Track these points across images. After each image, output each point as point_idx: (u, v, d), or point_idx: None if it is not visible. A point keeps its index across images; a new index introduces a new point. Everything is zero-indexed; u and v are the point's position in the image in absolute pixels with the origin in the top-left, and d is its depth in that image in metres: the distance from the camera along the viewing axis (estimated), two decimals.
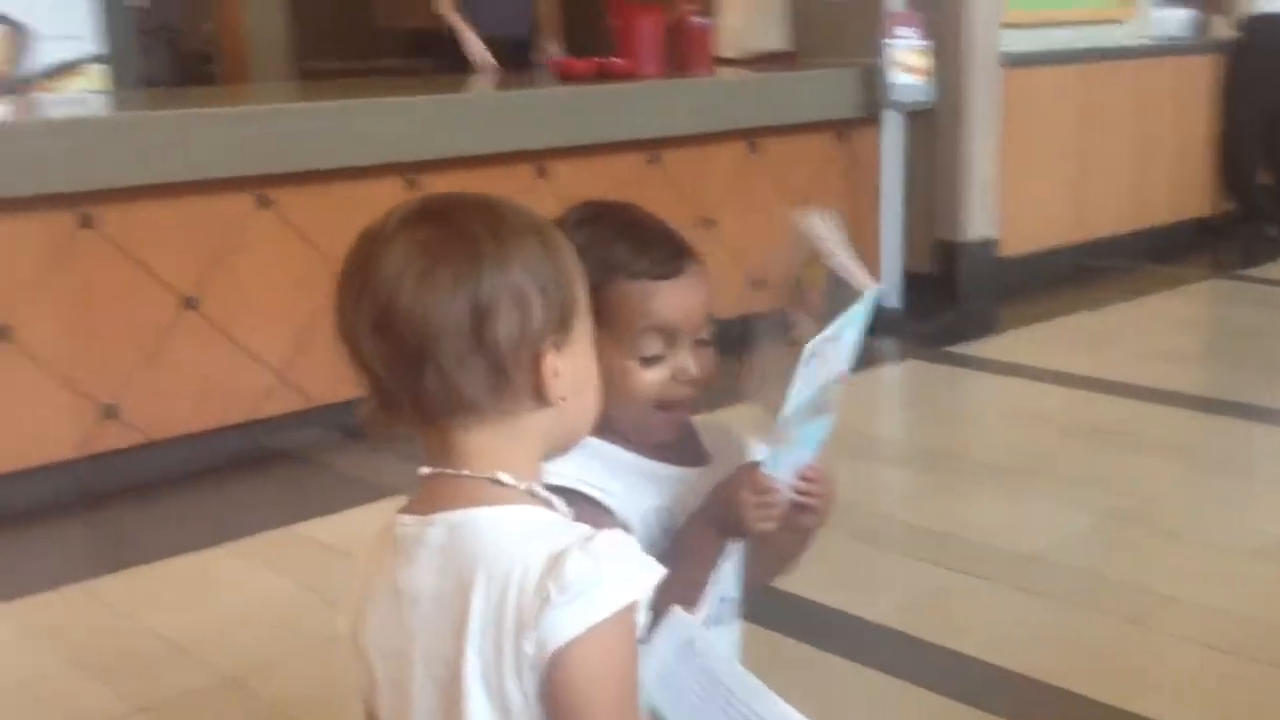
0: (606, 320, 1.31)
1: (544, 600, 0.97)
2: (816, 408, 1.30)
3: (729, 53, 5.16)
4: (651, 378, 1.33)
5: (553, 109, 4.05)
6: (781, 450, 1.28)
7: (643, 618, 1.04)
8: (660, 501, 1.35)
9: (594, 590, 0.97)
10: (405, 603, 1.05)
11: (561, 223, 1.34)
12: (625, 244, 1.33)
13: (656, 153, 4.28)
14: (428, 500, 1.06)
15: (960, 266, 5.09)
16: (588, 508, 1.28)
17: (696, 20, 4.72)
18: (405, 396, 1.03)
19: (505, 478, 1.04)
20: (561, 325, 1.05)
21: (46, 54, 5.10)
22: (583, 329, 1.09)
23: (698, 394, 1.36)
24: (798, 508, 1.35)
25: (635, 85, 4.30)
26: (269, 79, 6.24)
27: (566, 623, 0.96)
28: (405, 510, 1.08)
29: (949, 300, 5.05)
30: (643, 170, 4.25)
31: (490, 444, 1.05)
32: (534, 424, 1.06)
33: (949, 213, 5.07)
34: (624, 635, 1.00)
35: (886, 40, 4.74)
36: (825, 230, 1.32)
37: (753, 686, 1.21)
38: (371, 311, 1.01)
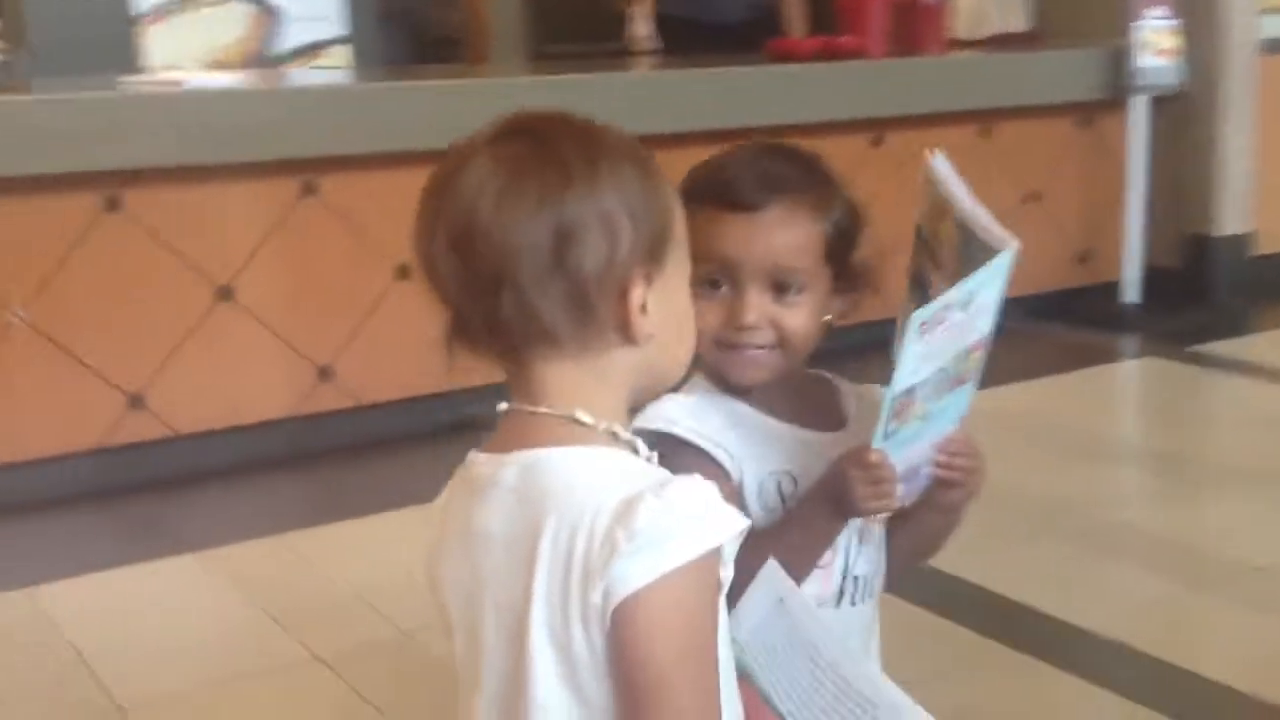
0: (690, 244, 1.24)
1: (613, 548, 0.89)
2: (951, 379, 1.17)
3: (966, 33, 4.95)
4: (704, 313, 1.21)
5: (767, 87, 3.95)
6: (905, 428, 1.16)
7: (728, 572, 0.96)
8: (783, 465, 1.26)
9: (666, 539, 0.90)
10: (478, 546, 0.98)
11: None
12: (713, 169, 1.24)
13: (880, 134, 4.14)
14: (504, 438, 1.00)
15: (1210, 262, 4.75)
16: (698, 460, 1.21)
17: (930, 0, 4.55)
18: (481, 323, 0.96)
19: (584, 416, 0.97)
20: (652, 256, 0.97)
21: (294, 34, 5.31)
22: (677, 265, 1.01)
23: (765, 344, 1.24)
24: (941, 484, 1.24)
25: (855, 64, 4.16)
26: (508, 62, 6.34)
27: (635, 572, 0.89)
28: (482, 449, 1.02)
29: (1195, 297, 4.72)
30: (865, 152, 4.11)
31: (571, 380, 0.98)
32: (618, 362, 0.99)
33: (1199, 206, 4.74)
34: (697, 587, 0.92)
35: (1135, 21, 4.46)
36: (950, 175, 1.18)
37: (843, 649, 1.11)
38: (449, 229, 0.95)
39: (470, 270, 0.95)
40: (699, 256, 1.18)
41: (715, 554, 0.93)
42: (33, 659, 2.37)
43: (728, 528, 0.94)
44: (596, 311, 0.95)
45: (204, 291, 3.25)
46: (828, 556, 1.25)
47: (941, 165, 1.18)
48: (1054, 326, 4.45)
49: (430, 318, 0.99)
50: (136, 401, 3.19)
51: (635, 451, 1.00)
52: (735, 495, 1.23)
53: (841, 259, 1.27)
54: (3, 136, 2.96)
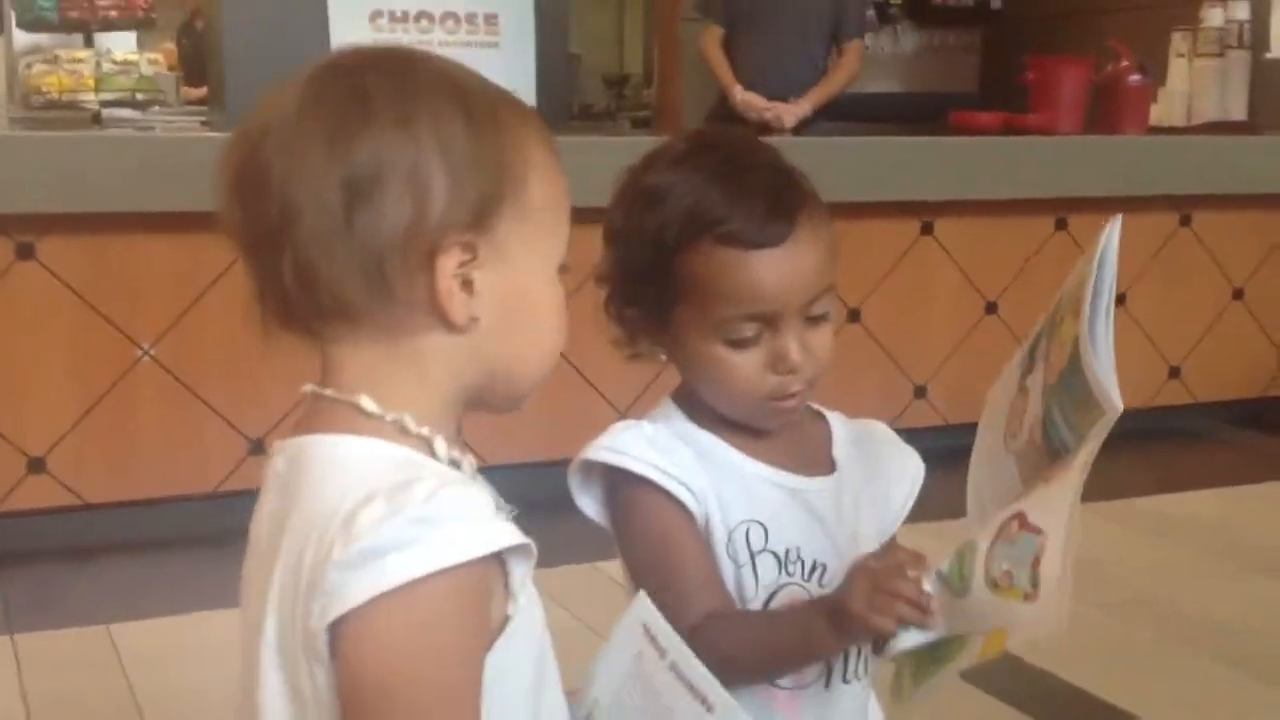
0: (690, 291, 1.04)
1: (328, 557, 0.72)
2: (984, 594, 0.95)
3: (1176, 120, 4.62)
4: (743, 368, 1.04)
5: (945, 158, 3.71)
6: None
7: (515, 605, 0.78)
8: (753, 513, 1.06)
9: (389, 550, 0.71)
10: (249, 546, 0.83)
11: (658, 156, 1.09)
12: (717, 191, 1.04)
13: (1064, 215, 3.85)
14: (294, 425, 0.84)
15: None
16: (654, 499, 1.02)
17: (1133, 79, 4.24)
18: (269, 289, 0.80)
19: (368, 404, 0.79)
20: (476, 222, 0.79)
21: None
22: (528, 243, 0.82)
23: (811, 379, 1.06)
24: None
25: (1040, 140, 3.88)
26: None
27: (350, 589, 0.71)
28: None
29: None
30: (1047, 234, 3.83)
31: (367, 363, 0.81)
32: (435, 349, 0.81)
33: None
34: (439, 616, 0.73)
35: None
36: (1109, 259, 0.92)
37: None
38: (234, 168, 0.80)
39: (250, 222, 0.79)
40: (719, 309, 1.03)
41: (467, 574, 0.73)
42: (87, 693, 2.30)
43: (484, 542, 0.74)
44: (392, 284, 0.78)
45: None
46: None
47: (1113, 240, 0.93)
48: (1249, 434, 4.08)
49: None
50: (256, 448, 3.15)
51: (432, 452, 0.81)
52: (704, 540, 1.05)
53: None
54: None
